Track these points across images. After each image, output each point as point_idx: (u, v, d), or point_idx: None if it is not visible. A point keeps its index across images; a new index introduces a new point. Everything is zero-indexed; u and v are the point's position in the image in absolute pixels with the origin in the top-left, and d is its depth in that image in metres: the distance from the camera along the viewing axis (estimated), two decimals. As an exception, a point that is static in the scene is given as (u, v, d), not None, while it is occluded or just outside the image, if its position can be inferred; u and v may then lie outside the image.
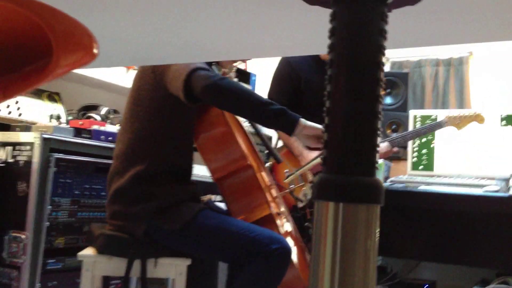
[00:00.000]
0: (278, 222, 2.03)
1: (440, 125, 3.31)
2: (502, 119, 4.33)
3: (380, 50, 0.77)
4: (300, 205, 2.47)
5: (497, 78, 4.91)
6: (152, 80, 1.98)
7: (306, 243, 2.27)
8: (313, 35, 1.01)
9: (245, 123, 2.26)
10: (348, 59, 0.79)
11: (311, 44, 1.10)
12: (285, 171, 2.28)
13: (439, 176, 3.99)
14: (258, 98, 1.87)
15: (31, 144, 2.27)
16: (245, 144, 2.07)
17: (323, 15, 0.77)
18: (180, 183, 2.02)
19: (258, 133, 2.30)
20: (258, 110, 1.86)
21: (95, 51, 0.57)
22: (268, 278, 1.86)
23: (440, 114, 3.62)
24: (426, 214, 3.58)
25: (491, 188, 3.70)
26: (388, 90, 4.63)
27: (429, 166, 4.20)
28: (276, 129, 1.96)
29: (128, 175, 1.94)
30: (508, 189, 3.70)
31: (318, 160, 2.19)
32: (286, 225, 2.10)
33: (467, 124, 3.56)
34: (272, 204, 2.06)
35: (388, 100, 4.55)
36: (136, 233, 1.91)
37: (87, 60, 0.56)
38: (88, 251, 1.97)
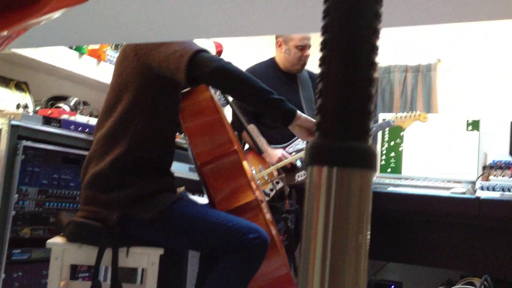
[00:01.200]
0: (263, 208, 2.02)
1: (389, 123, 3.52)
2: (468, 124, 4.42)
3: (377, 17, 0.76)
4: (267, 198, 2.51)
5: (463, 85, 5.02)
6: (135, 62, 1.94)
7: (282, 234, 2.28)
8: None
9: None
10: (343, 24, 0.78)
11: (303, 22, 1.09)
12: (252, 168, 2.33)
13: (406, 179, 4.05)
14: (262, 86, 1.88)
15: (-2, 130, 2.20)
16: (231, 132, 2.07)
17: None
18: (158, 173, 1.99)
19: (241, 123, 2.31)
20: (261, 97, 1.87)
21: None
22: (244, 268, 1.84)
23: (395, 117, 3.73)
24: (394, 216, 3.62)
25: (458, 190, 3.77)
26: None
27: (397, 169, 4.25)
28: (274, 117, 1.96)
29: (108, 159, 1.90)
30: (475, 192, 3.77)
31: (285, 162, 2.31)
32: (267, 215, 2.09)
33: (411, 122, 3.76)
34: (256, 191, 2.05)
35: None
36: (109, 221, 1.86)
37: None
38: (57, 240, 1.91)
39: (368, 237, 0.76)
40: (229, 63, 1.85)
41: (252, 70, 3.25)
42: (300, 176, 3.02)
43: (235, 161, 2.02)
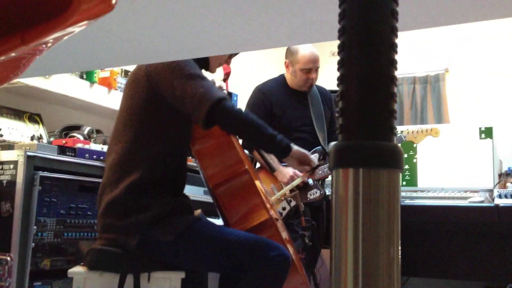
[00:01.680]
0: (279, 226, 2.01)
1: (401, 138, 3.53)
2: (481, 132, 4.39)
3: (394, 15, 0.76)
4: (281, 217, 2.51)
5: (473, 93, 5.00)
6: (146, 88, 1.95)
7: (301, 252, 2.26)
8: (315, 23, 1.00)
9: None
10: (361, 24, 0.77)
11: (309, 33, 1.09)
12: (263, 187, 2.33)
13: (422, 191, 4.01)
14: (268, 131, 2.02)
15: (14, 162, 2.21)
16: (241, 151, 2.07)
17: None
18: (174, 195, 1.99)
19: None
20: (264, 140, 2.03)
21: (113, 1, 0.55)
22: (267, 286, 1.82)
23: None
24: (412, 229, 3.57)
25: (476, 199, 3.72)
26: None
27: (412, 182, 4.21)
28: (275, 153, 2.22)
29: (122, 186, 1.89)
30: (493, 200, 3.72)
31: (298, 181, 2.37)
32: (283, 233, 2.08)
33: (423, 138, 3.75)
34: (271, 210, 2.04)
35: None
36: (129, 246, 1.85)
37: (105, 9, 0.54)
38: (78, 269, 1.90)
39: (399, 241, 0.75)
40: (246, 114, 2.01)
41: (264, 86, 3.31)
42: (312, 194, 3.02)
43: (247, 180, 2.02)
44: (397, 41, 0.75)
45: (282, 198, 2.78)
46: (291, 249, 1.98)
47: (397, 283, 0.72)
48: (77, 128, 2.87)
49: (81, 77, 3.09)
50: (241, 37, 1.10)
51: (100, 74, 3.21)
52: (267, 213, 1.98)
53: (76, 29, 0.53)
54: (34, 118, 2.90)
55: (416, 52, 5.22)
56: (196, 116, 1.90)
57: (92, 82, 3.12)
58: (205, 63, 2.11)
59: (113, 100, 3.21)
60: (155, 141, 1.95)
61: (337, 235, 0.79)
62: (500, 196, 3.76)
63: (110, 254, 1.86)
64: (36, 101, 3.04)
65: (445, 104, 5.09)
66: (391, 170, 0.78)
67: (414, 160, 4.16)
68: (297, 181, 2.47)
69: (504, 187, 4.09)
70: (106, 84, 3.21)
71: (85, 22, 0.53)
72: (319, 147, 3.17)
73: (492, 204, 3.51)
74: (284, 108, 3.23)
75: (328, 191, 3.17)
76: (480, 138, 4.33)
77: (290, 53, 3.29)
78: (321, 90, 3.46)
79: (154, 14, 0.94)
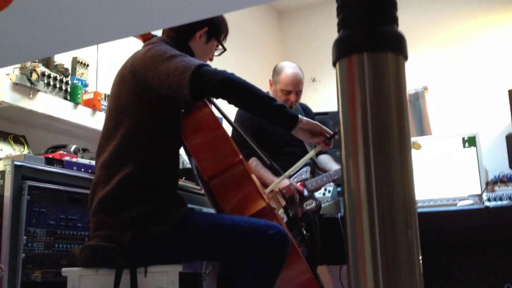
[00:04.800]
0: (277, 214, 1.99)
1: None
2: (464, 141, 4.45)
3: None
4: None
5: (453, 104, 5.09)
6: (133, 84, 1.95)
7: (299, 244, 2.23)
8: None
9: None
10: None
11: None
12: None
13: (411, 203, 4.00)
14: (265, 94, 1.93)
15: (1, 173, 2.17)
16: (234, 143, 2.06)
17: None
18: (167, 189, 1.96)
19: (242, 137, 2.31)
20: (266, 106, 1.92)
21: None
22: (269, 266, 1.80)
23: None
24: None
25: (466, 203, 3.73)
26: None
27: (400, 194, 4.21)
28: (279, 123, 2.02)
29: (114, 181, 1.87)
30: (483, 203, 3.72)
31: (312, 153, 2.18)
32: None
33: None
34: (267, 199, 2.03)
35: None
36: (124, 241, 1.81)
37: None
38: (72, 268, 1.85)
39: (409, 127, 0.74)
40: (232, 74, 1.89)
41: None
42: (308, 205, 2.98)
43: (242, 171, 2.00)
44: None
45: (279, 208, 2.76)
46: (290, 235, 1.95)
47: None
48: (62, 147, 2.84)
49: (65, 98, 3.08)
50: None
51: (84, 96, 3.21)
52: (264, 201, 1.97)
53: None
54: (19, 139, 2.88)
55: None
56: (181, 90, 1.83)
57: (76, 103, 3.11)
58: None
59: (97, 121, 3.19)
60: (146, 137, 1.94)
61: (346, 125, 0.77)
62: (489, 200, 3.77)
63: (104, 250, 1.82)
64: (20, 123, 3.01)
65: (426, 118, 5.18)
66: (397, 54, 0.78)
67: (401, 173, 4.18)
68: (311, 153, 2.25)
69: (493, 191, 4.10)
70: (90, 106, 3.20)
71: None
72: (309, 160, 3.15)
73: (482, 206, 3.52)
74: (272, 125, 3.14)
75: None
76: (464, 147, 4.38)
77: (275, 72, 3.28)
78: (304, 107, 3.47)
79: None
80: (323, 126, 2.07)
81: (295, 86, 3.17)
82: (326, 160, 3.30)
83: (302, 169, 3.05)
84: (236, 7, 1.00)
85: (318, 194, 3.34)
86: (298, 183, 3.00)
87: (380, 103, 0.74)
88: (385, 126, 0.74)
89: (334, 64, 0.77)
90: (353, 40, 0.78)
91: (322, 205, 3.00)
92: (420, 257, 0.72)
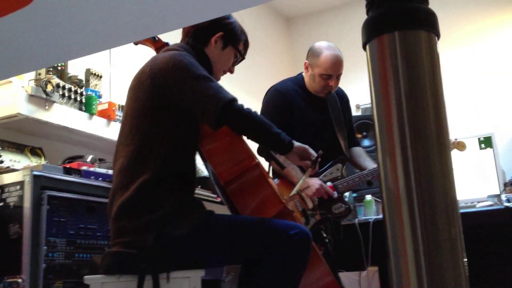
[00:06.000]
0: (295, 217, 1.97)
1: None
2: (480, 142, 4.40)
3: None
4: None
5: (469, 105, 5.06)
6: (150, 88, 1.94)
7: (319, 247, 2.21)
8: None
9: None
10: None
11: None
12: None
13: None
14: (272, 128, 2.00)
15: (20, 183, 2.17)
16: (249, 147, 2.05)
17: None
18: (186, 191, 1.96)
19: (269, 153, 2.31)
20: (271, 138, 2.01)
21: None
22: (292, 265, 1.78)
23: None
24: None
25: (485, 204, 3.69)
26: (365, 133, 4.70)
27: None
28: (277, 149, 2.10)
29: (133, 187, 1.86)
30: (502, 203, 3.68)
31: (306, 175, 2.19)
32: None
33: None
34: (284, 202, 2.01)
35: (366, 142, 4.60)
36: (145, 246, 1.80)
37: None
38: (94, 275, 1.84)
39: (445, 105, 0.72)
40: (255, 113, 1.96)
41: (282, 87, 3.08)
42: (337, 208, 2.86)
43: (258, 175, 1.99)
44: None
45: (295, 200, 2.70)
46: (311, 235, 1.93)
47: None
48: (79, 157, 2.85)
49: (80, 109, 3.09)
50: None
51: (98, 106, 3.22)
52: (281, 204, 1.95)
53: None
54: (35, 151, 2.89)
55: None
56: (207, 117, 1.89)
57: (91, 113, 3.12)
58: (208, 70, 2.09)
59: (112, 132, 3.20)
60: (163, 141, 1.93)
61: (378, 107, 0.76)
62: (508, 201, 3.72)
63: (126, 256, 1.81)
64: (37, 135, 3.03)
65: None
66: (429, 32, 0.76)
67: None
68: (304, 178, 2.27)
69: (511, 192, 4.05)
70: (105, 116, 3.21)
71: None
72: (342, 156, 2.98)
73: (502, 207, 3.48)
74: (304, 113, 2.99)
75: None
76: (480, 148, 4.34)
77: (312, 54, 3.02)
78: (339, 92, 3.20)
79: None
80: (310, 150, 2.11)
81: (336, 70, 2.93)
82: (360, 153, 3.15)
83: (333, 167, 2.92)
84: (237, 7, 1.00)
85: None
86: (328, 183, 2.87)
87: (415, 87, 0.72)
88: (421, 120, 0.71)
89: (364, 47, 0.75)
90: (383, 19, 0.76)
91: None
92: (466, 258, 0.69)
